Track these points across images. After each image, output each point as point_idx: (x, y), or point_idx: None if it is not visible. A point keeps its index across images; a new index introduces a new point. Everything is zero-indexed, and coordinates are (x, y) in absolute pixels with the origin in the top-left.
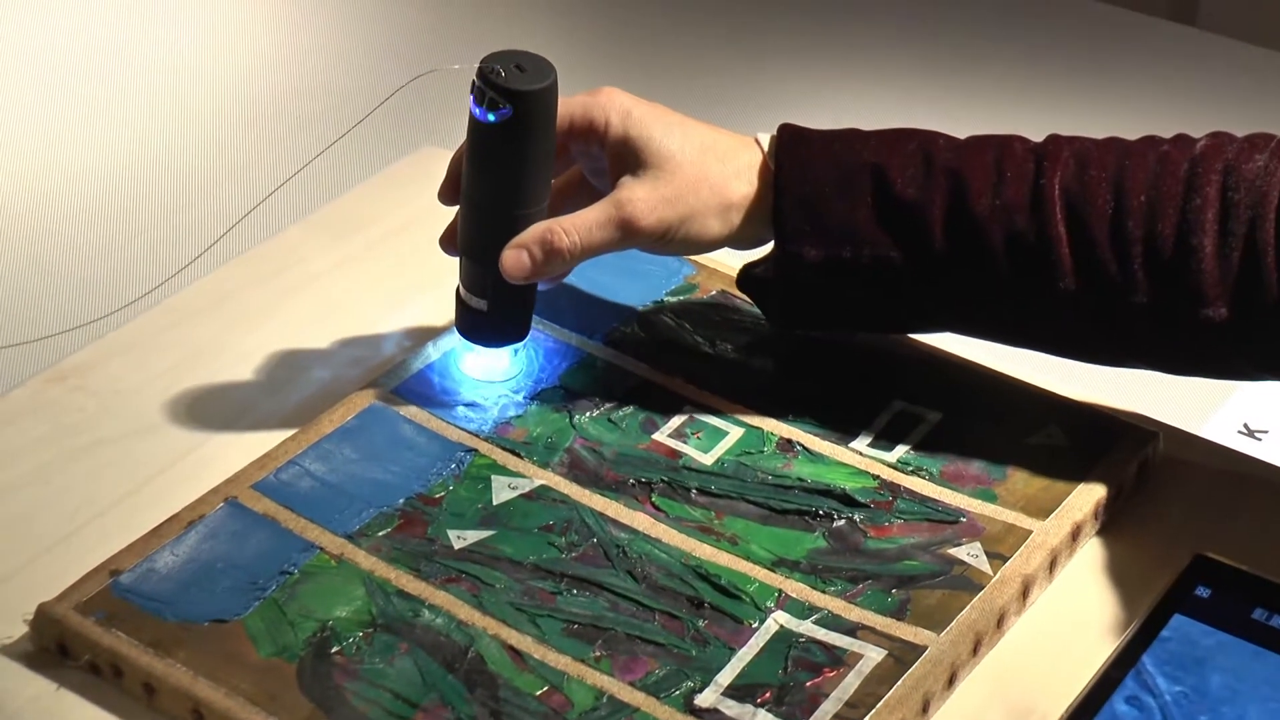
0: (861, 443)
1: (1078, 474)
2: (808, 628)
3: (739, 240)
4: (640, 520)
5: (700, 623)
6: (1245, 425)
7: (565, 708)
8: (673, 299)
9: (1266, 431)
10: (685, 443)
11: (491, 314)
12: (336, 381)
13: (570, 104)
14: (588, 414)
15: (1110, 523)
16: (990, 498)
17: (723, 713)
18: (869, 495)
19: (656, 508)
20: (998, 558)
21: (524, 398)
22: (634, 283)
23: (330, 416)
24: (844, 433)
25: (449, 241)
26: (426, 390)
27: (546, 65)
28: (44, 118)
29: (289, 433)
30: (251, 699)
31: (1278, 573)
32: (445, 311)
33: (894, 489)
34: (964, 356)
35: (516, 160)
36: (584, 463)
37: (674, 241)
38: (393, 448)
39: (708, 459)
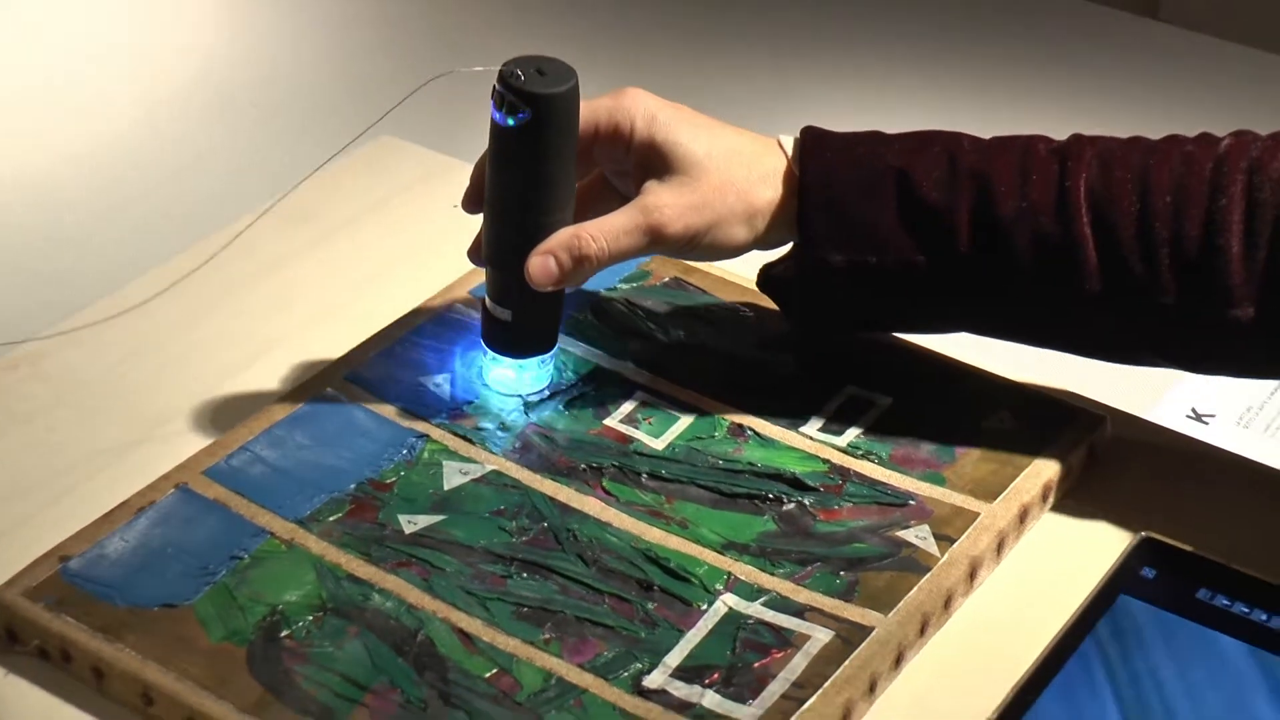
0: (812, 427)
1: (1026, 457)
2: (756, 609)
3: (764, 244)
4: (591, 505)
5: (649, 605)
6: (1193, 410)
7: (514, 689)
8: (626, 286)
9: (1214, 415)
10: (636, 428)
11: (517, 324)
12: (289, 368)
13: (594, 108)
14: (540, 400)
15: (1059, 505)
16: (939, 481)
17: (671, 694)
18: (819, 479)
19: (607, 492)
20: (945, 540)
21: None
22: None
23: (282, 403)
24: (795, 418)
25: (476, 253)
26: (380, 377)
27: (567, 69)
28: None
29: (241, 420)
30: (201, 683)
31: (1223, 554)
32: (399, 300)
33: (844, 473)
34: (914, 342)
35: (538, 165)
36: (536, 448)
37: (700, 247)
38: (345, 434)
39: (659, 444)
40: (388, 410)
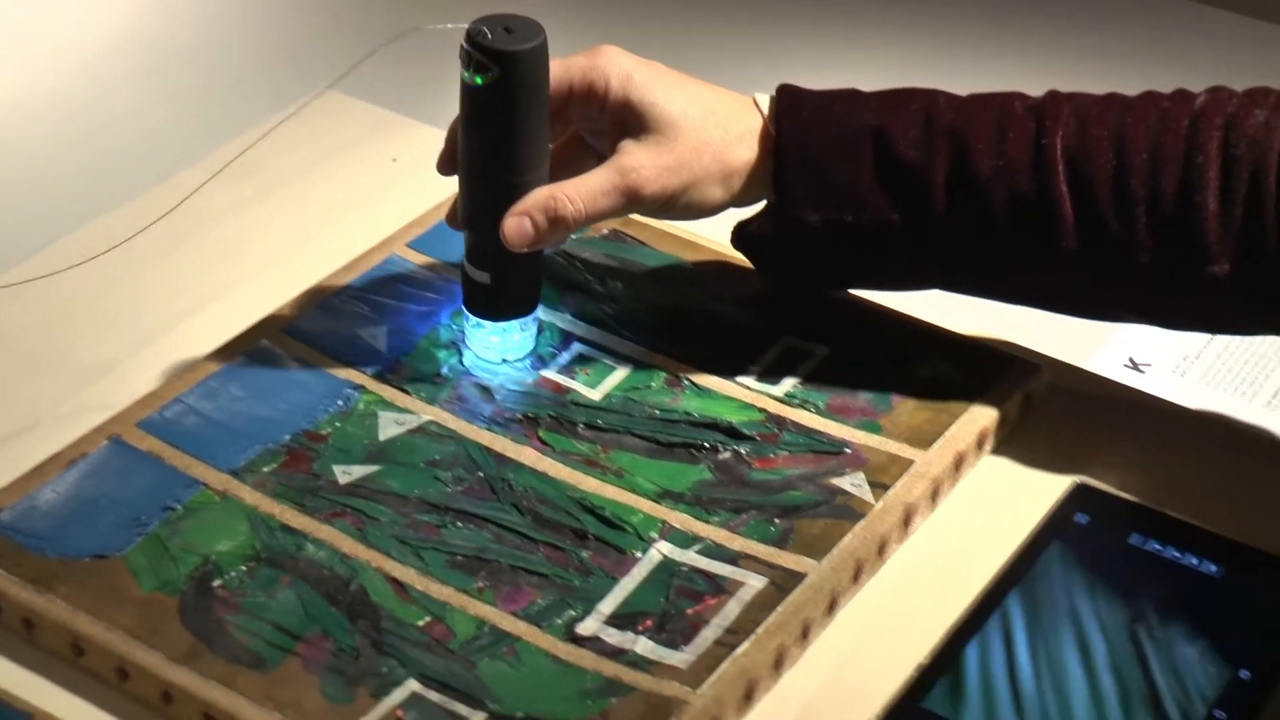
0: (749, 377)
1: (962, 405)
2: (690, 557)
3: (739, 203)
4: (527, 454)
5: (584, 554)
6: (1130, 359)
7: (447, 637)
8: None
9: (1150, 365)
10: (574, 379)
11: (496, 286)
12: (226, 322)
13: (569, 67)
14: (522, 363)
15: (994, 453)
16: (875, 429)
17: (604, 640)
18: (755, 428)
19: (543, 442)
20: (880, 487)
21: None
22: None
23: (217, 355)
24: (732, 368)
25: (453, 216)
26: (316, 329)
27: (535, 26)
28: None
29: (177, 373)
30: (132, 633)
31: (1157, 500)
32: (338, 255)
33: (780, 422)
34: (853, 293)
35: (509, 125)
36: (472, 399)
37: (676, 207)
38: (280, 386)
39: (595, 394)
40: (324, 362)
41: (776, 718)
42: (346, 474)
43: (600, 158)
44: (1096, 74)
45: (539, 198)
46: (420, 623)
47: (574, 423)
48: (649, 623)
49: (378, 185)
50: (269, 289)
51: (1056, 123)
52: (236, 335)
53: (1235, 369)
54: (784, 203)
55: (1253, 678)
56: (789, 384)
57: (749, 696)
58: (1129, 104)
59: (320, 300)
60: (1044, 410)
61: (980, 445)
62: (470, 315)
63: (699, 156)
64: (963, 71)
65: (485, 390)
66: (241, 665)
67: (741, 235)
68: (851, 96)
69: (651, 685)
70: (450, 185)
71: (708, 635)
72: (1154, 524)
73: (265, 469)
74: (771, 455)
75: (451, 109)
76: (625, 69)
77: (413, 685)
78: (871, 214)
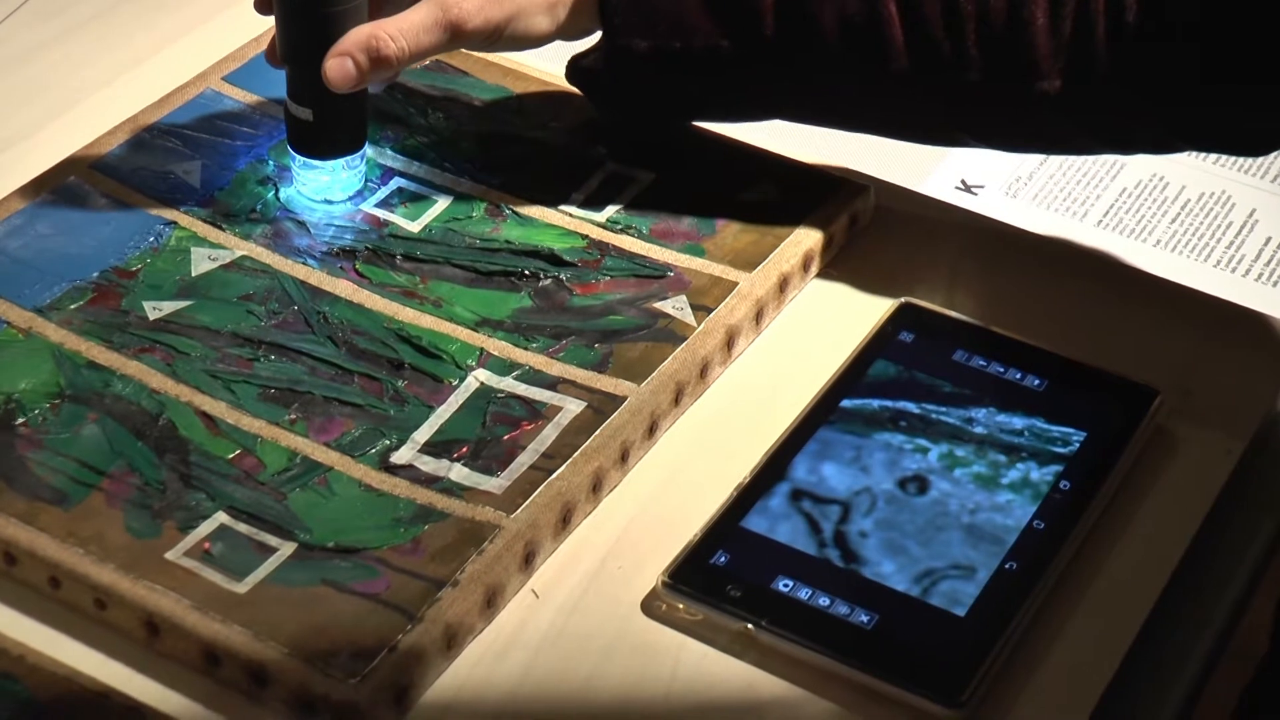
0: (571, 205)
1: (787, 228)
2: (508, 384)
3: (567, 34)
4: (343, 287)
5: (399, 383)
6: (962, 181)
7: (257, 469)
8: None
9: (983, 186)
10: (392, 212)
11: (319, 124)
12: (33, 161)
13: None
14: (293, 186)
15: (822, 275)
16: (699, 253)
17: (418, 468)
18: (577, 255)
19: (360, 274)
20: (703, 310)
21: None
22: None
23: (23, 192)
24: (554, 196)
25: (272, 53)
26: (127, 165)
27: None
28: None
29: None
30: None
31: (984, 318)
32: (151, 92)
33: (602, 248)
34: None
35: None
36: (287, 233)
37: (501, 40)
38: (89, 223)
39: (415, 226)
40: (135, 199)
41: (596, 541)
42: (157, 310)
43: None
44: None
45: (359, 37)
46: (229, 455)
47: (392, 254)
48: (464, 450)
49: (195, 20)
50: (78, 127)
51: None
52: (43, 172)
53: (1068, 190)
54: (611, 31)
55: (1071, 488)
56: (611, 210)
57: (566, 520)
58: None
59: (132, 136)
60: (872, 232)
61: (806, 267)
62: (296, 154)
63: None
64: None
65: (301, 225)
66: (42, 502)
67: (575, 70)
68: None
69: (465, 511)
70: (269, 21)
71: (523, 460)
72: (978, 340)
73: (72, 306)
74: (593, 280)
75: None
76: None
77: (221, 518)
78: (701, 40)
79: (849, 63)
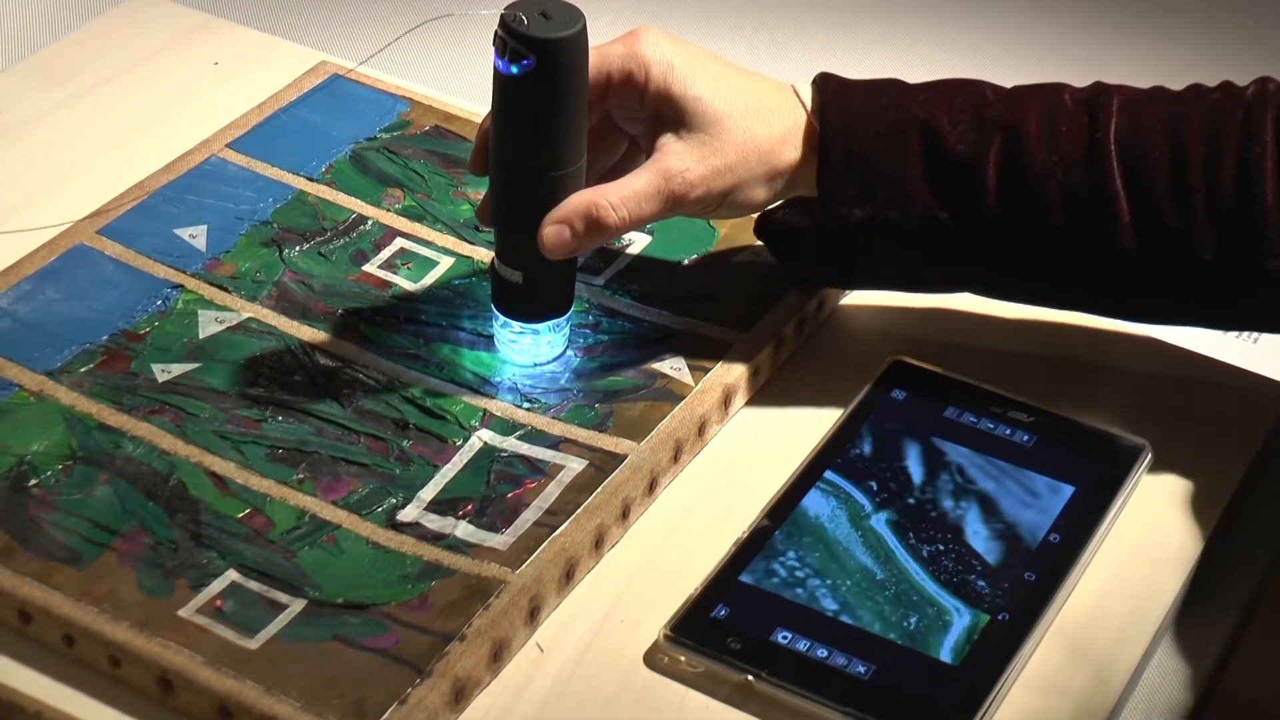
0: None
1: (781, 289)
2: (511, 443)
3: (781, 199)
4: (347, 349)
5: (405, 443)
6: None
7: (267, 528)
8: (386, 135)
9: None
10: (395, 273)
11: (528, 287)
12: (42, 225)
13: (605, 56)
14: (298, 248)
15: (813, 335)
16: (695, 314)
17: (424, 526)
18: (576, 317)
19: (364, 337)
20: (700, 370)
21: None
22: (347, 120)
23: (32, 258)
24: None
25: (483, 214)
26: (134, 230)
27: (574, 11)
28: None
29: None
30: None
31: (971, 374)
32: (157, 157)
33: (600, 310)
34: None
35: (545, 116)
36: (292, 295)
37: (720, 209)
38: (97, 287)
39: (417, 288)
40: (142, 263)
41: (598, 595)
42: (165, 372)
43: (633, 142)
44: (1118, 60)
45: (580, 204)
46: (239, 514)
47: (396, 317)
48: (469, 507)
49: (199, 87)
50: (85, 194)
51: (1108, 115)
52: (52, 238)
53: None
54: (829, 200)
55: (1061, 540)
56: (609, 274)
57: (569, 576)
58: (1178, 96)
59: (138, 201)
60: (864, 292)
61: (800, 327)
62: (500, 315)
63: (745, 159)
64: (988, 55)
65: (307, 286)
66: (57, 562)
67: (767, 226)
68: (896, 88)
69: (471, 567)
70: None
71: (528, 517)
72: (968, 396)
73: (82, 369)
74: (592, 343)
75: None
76: (665, 58)
77: (232, 575)
78: (919, 210)
79: (1073, 237)
